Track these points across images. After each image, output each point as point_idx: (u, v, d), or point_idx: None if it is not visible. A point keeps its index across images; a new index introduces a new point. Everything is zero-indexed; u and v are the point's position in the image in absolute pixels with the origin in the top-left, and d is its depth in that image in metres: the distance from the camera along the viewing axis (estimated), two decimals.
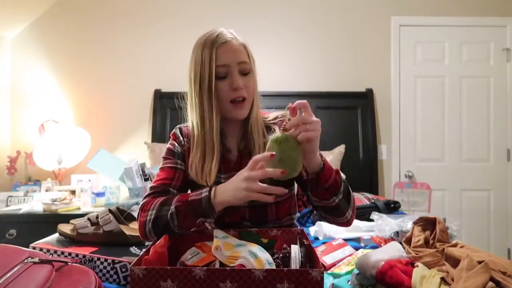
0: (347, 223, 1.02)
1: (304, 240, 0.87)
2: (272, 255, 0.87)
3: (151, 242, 0.87)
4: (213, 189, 0.91)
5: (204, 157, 1.03)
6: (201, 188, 0.97)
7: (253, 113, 1.06)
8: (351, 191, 1.01)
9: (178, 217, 0.90)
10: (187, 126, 1.13)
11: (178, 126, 1.15)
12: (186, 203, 0.91)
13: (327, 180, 0.92)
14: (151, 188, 1.05)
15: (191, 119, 1.06)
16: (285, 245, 0.87)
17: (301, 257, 0.80)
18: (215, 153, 1.03)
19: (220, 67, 0.99)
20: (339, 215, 0.98)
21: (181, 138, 1.11)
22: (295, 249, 0.84)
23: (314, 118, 0.86)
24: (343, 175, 1.01)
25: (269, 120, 1.13)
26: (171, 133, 1.15)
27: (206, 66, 0.99)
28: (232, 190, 0.87)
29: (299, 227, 1.02)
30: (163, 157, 1.11)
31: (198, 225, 0.91)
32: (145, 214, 0.95)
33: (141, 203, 1.00)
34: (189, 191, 1.08)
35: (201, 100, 1.01)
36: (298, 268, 0.77)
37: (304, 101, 0.86)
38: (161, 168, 1.09)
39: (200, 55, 1.01)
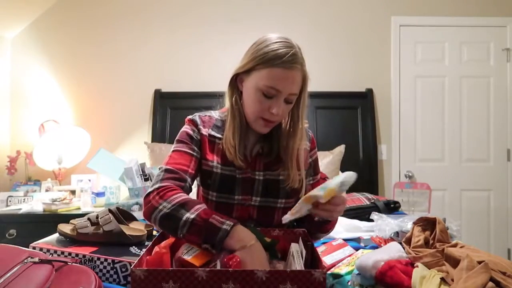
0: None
1: (307, 240, 0.88)
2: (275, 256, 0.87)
3: (151, 242, 0.87)
4: (236, 227, 0.83)
5: (240, 133, 1.05)
6: (209, 175, 1.04)
7: (283, 128, 1.08)
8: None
9: (190, 229, 0.83)
10: (206, 115, 1.12)
11: (197, 113, 1.13)
12: (205, 222, 0.83)
13: (328, 230, 1.09)
14: (168, 170, 0.98)
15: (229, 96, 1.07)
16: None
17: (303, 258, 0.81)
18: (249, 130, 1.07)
19: (272, 89, 0.96)
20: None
21: (200, 126, 1.09)
22: (296, 248, 0.84)
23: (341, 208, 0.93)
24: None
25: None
26: (188, 119, 1.11)
27: (258, 71, 0.97)
28: (249, 253, 0.78)
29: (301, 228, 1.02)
30: (179, 140, 1.07)
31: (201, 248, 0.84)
32: (160, 200, 0.89)
33: (159, 184, 0.94)
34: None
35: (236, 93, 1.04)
36: (302, 265, 0.77)
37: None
38: (176, 151, 1.04)
39: (257, 60, 0.97)
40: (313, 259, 0.82)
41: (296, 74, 0.97)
